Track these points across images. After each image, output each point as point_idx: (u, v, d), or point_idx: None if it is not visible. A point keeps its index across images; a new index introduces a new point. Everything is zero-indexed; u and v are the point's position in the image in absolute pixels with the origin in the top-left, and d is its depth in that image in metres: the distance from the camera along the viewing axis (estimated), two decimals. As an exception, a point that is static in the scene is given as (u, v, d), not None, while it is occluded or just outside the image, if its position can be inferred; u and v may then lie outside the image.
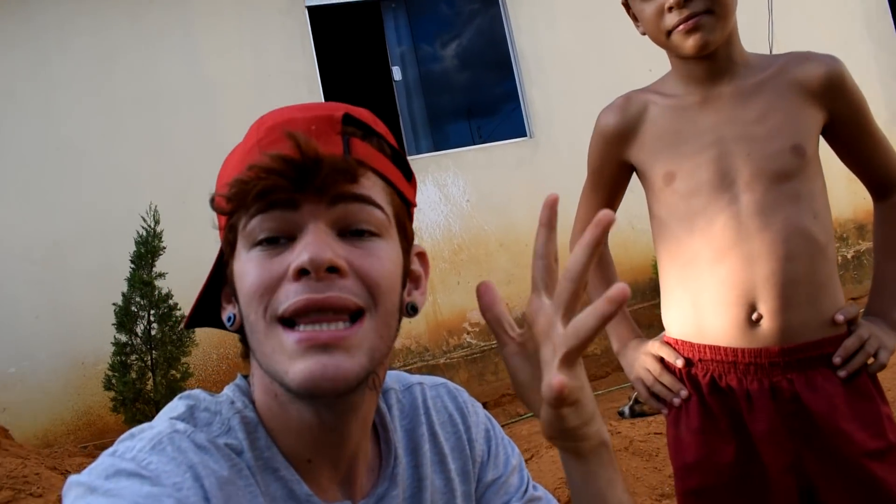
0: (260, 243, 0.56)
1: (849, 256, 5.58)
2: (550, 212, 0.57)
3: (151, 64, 4.31)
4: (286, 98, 4.30)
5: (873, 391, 1.09)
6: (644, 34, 1.16)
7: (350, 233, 0.57)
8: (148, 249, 3.54)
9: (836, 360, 1.07)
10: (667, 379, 1.14)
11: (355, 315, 0.55)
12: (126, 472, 0.51)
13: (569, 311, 0.54)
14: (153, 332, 3.38)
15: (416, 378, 0.76)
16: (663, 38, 1.08)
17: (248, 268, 0.56)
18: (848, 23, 5.85)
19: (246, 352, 0.63)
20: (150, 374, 3.40)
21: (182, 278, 3.83)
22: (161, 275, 3.53)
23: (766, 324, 1.06)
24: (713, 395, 1.10)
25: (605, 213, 0.53)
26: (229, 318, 0.62)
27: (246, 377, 0.64)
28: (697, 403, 1.11)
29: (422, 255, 0.69)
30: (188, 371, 3.56)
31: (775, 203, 1.07)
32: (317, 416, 0.59)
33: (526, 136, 5.05)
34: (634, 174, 1.25)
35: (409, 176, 0.65)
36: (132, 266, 3.56)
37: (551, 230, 0.57)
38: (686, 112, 1.14)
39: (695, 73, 1.12)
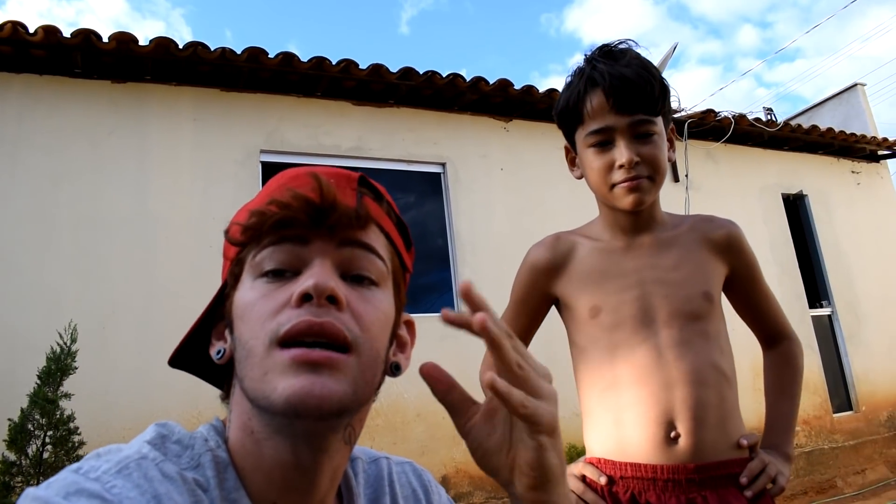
0: (267, 274, 0.59)
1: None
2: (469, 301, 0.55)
3: (99, 190, 4.37)
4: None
5: None
6: (579, 178, 1.32)
7: (351, 277, 0.60)
8: (59, 367, 3.42)
9: (743, 479, 1.16)
10: (590, 497, 1.19)
11: (343, 349, 0.56)
12: (87, 491, 0.48)
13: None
14: (45, 455, 3.18)
15: (382, 453, 0.77)
16: (605, 189, 1.22)
17: (253, 295, 0.58)
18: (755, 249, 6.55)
19: (226, 394, 0.65)
20: (29, 501, 3.13)
21: (88, 404, 3.69)
22: (67, 395, 3.39)
23: (683, 441, 1.15)
24: None
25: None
26: (218, 352, 0.62)
27: (223, 421, 0.64)
28: None
29: (409, 324, 0.70)
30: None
31: (689, 338, 1.20)
32: (292, 454, 0.58)
33: (454, 311, 5.27)
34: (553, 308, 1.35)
35: (409, 245, 0.69)
36: (37, 383, 3.42)
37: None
38: (611, 255, 1.27)
39: (621, 223, 1.27)
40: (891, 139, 7.77)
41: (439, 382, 0.57)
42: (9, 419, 3.31)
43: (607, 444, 1.22)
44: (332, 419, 0.56)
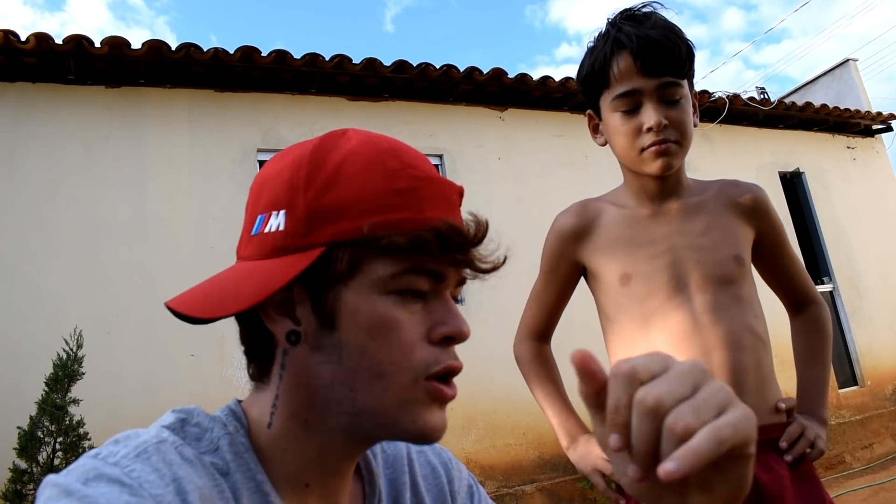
0: (399, 293, 0.57)
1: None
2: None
3: (98, 194, 4.37)
4: (227, 242, 4.42)
5: (815, 476, 1.18)
6: (603, 145, 1.28)
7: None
8: (66, 373, 3.43)
9: (783, 444, 1.16)
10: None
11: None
12: (107, 476, 0.48)
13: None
14: (56, 462, 3.19)
15: None
16: (633, 154, 1.19)
17: (389, 317, 0.56)
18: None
19: (262, 372, 0.61)
20: (42, 508, 3.15)
21: (97, 408, 3.70)
22: (75, 401, 3.41)
23: None
24: None
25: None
26: (294, 335, 0.58)
27: (241, 403, 0.62)
28: None
29: None
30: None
31: (723, 303, 1.19)
32: (348, 447, 0.60)
33: (458, 302, 5.29)
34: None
35: None
36: (45, 389, 3.44)
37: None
38: (639, 222, 1.25)
39: (648, 189, 1.25)
40: (885, 113, 7.78)
41: (591, 378, 0.44)
42: (18, 427, 3.33)
43: None
44: None
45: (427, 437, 0.57)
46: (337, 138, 0.61)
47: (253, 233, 0.61)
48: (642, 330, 1.21)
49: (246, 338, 0.63)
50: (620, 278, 1.24)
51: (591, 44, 1.23)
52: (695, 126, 1.22)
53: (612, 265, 1.25)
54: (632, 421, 0.42)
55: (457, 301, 0.63)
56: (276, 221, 0.58)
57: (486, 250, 0.59)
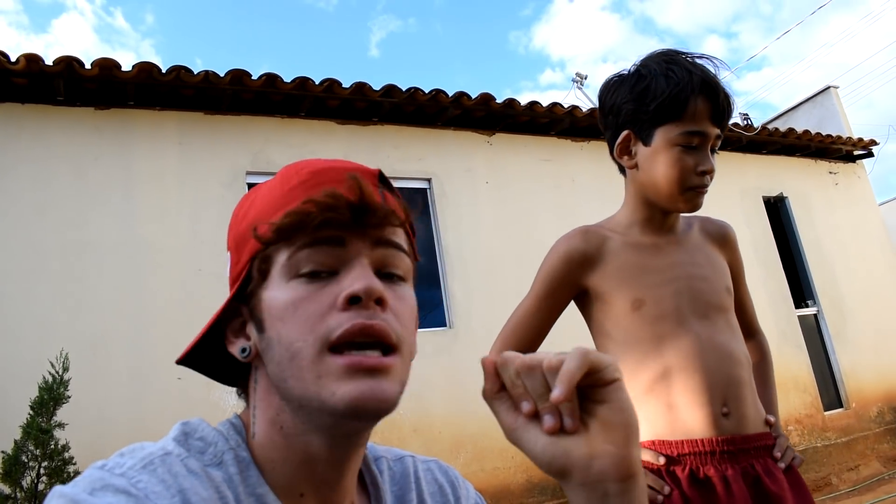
0: (305, 275, 0.58)
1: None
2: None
3: (87, 217, 4.35)
4: (216, 265, 4.43)
5: (803, 482, 1.29)
6: (631, 168, 1.32)
7: (384, 275, 0.61)
8: (51, 396, 3.39)
9: (777, 454, 1.26)
10: (650, 479, 1.21)
11: (388, 350, 0.57)
12: (113, 487, 0.49)
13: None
14: (41, 487, 3.14)
15: (407, 452, 0.77)
16: (675, 189, 1.25)
17: (293, 295, 0.57)
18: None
19: (243, 389, 0.65)
20: (26, 534, 3.11)
21: (83, 433, 3.64)
22: (61, 425, 3.37)
23: (732, 416, 1.23)
24: (692, 488, 1.20)
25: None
26: (244, 350, 0.61)
27: (240, 416, 0.64)
28: (679, 497, 1.19)
29: None
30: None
31: (721, 327, 1.29)
32: (328, 449, 0.60)
33: (446, 326, 5.30)
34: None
35: (415, 233, 0.70)
36: (30, 413, 3.40)
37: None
38: (645, 250, 1.32)
39: (657, 221, 1.34)
40: (866, 139, 7.92)
41: (495, 377, 0.55)
42: (2, 451, 3.28)
43: (659, 428, 1.25)
44: (383, 416, 0.57)
45: (353, 409, 0.54)
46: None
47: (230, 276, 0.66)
48: (655, 351, 1.27)
49: (229, 365, 0.67)
50: (633, 303, 1.29)
51: (656, 68, 1.26)
52: None
53: (623, 291, 1.30)
54: (525, 384, 0.53)
55: (400, 277, 0.63)
56: (229, 260, 0.65)
57: (386, 210, 0.60)
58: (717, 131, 1.27)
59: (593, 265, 1.32)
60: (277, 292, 0.58)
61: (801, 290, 7.30)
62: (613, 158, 1.37)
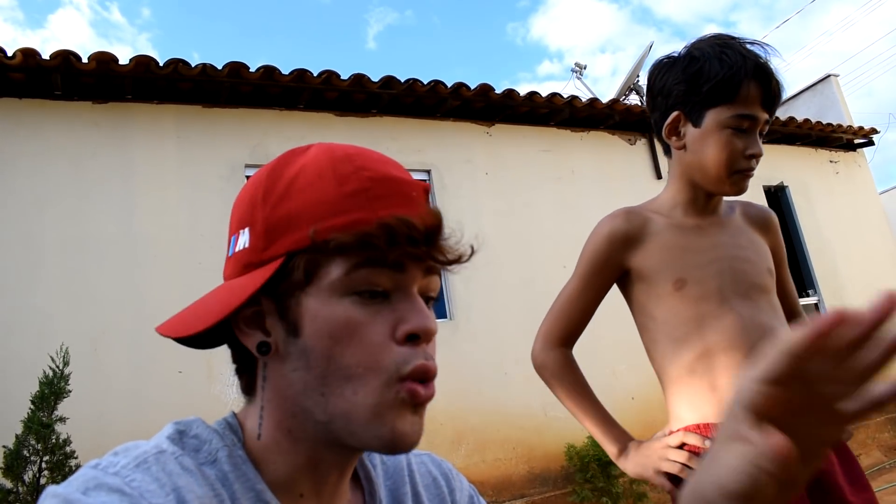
0: (359, 293, 0.56)
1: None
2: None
3: (85, 211, 4.35)
4: (215, 258, 4.42)
5: (852, 453, 1.29)
6: (679, 148, 1.32)
7: (426, 299, 0.60)
8: (52, 391, 3.39)
9: None
10: (696, 463, 1.21)
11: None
12: (107, 486, 0.49)
13: None
14: (42, 481, 3.15)
15: None
16: (723, 171, 1.27)
17: (350, 318, 0.56)
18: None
19: (249, 386, 0.63)
20: (28, 528, 3.12)
21: (84, 427, 3.65)
22: (62, 419, 3.38)
23: None
24: None
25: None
26: (263, 346, 0.59)
27: (236, 415, 0.63)
28: None
29: None
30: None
31: (763, 308, 1.29)
32: (335, 456, 0.60)
33: (446, 317, 5.31)
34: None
35: None
36: (31, 407, 3.40)
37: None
38: (687, 231, 1.33)
39: (701, 203, 1.34)
40: (866, 128, 7.90)
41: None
42: (3, 446, 3.29)
43: (704, 410, 1.24)
44: None
45: (398, 444, 0.55)
46: (297, 154, 0.62)
47: (229, 254, 0.63)
48: (697, 332, 1.27)
49: (232, 355, 0.65)
50: (675, 283, 1.29)
51: (710, 51, 1.27)
52: None
53: (666, 270, 1.31)
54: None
55: (434, 300, 0.62)
56: (243, 239, 0.60)
57: (448, 243, 0.59)
58: (767, 116, 1.27)
59: (636, 245, 1.33)
60: (329, 307, 0.56)
61: (801, 279, 7.29)
62: (660, 140, 1.37)
